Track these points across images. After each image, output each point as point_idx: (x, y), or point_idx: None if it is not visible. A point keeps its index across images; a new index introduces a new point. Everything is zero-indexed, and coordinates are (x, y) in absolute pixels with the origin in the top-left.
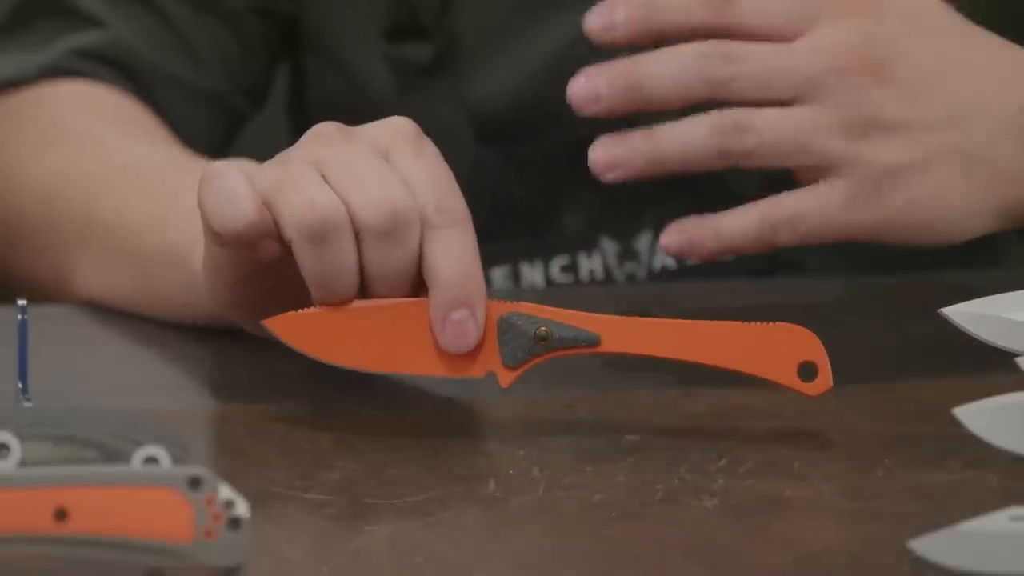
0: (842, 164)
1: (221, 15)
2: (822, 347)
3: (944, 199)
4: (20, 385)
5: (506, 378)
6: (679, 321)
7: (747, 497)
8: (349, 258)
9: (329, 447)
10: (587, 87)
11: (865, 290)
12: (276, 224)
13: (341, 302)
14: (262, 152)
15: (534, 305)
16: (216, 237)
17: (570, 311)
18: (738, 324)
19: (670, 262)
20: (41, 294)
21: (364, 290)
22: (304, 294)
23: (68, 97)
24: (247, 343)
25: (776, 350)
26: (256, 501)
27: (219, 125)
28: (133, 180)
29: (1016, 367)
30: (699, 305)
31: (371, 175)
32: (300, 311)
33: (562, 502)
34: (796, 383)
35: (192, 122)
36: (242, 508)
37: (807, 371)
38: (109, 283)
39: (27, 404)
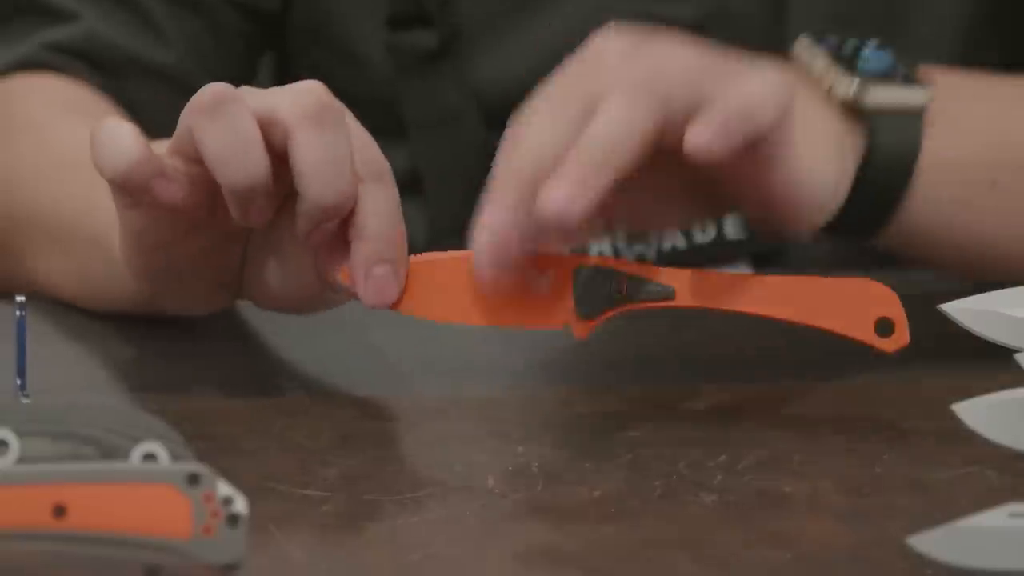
0: None
1: (197, 8)
2: (899, 303)
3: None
4: (18, 381)
5: (581, 330)
6: (755, 276)
7: (746, 493)
8: (247, 122)
9: (328, 444)
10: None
11: None
12: (180, 145)
13: (255, 189)
14: None
15: (609, 258)
16: (118, 196)
17: (645, 264)
18: (814, 279)
19: (679, 242)
20: (7, 287)
21: (303, 199)
22: (225, 263)
23: (33, 91)
24: (246, 339)
25: (853, 305)
26: (255, 497)
27: None
28: (77, 170)
29: (1015, 363)
30: None
31: (288, 89)
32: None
33: (560, 498)
34: (873, 339)
35: (167, 113)
36: (241, 505)
37: (884, 326)
38: (51, 275)
39: (25, 400)
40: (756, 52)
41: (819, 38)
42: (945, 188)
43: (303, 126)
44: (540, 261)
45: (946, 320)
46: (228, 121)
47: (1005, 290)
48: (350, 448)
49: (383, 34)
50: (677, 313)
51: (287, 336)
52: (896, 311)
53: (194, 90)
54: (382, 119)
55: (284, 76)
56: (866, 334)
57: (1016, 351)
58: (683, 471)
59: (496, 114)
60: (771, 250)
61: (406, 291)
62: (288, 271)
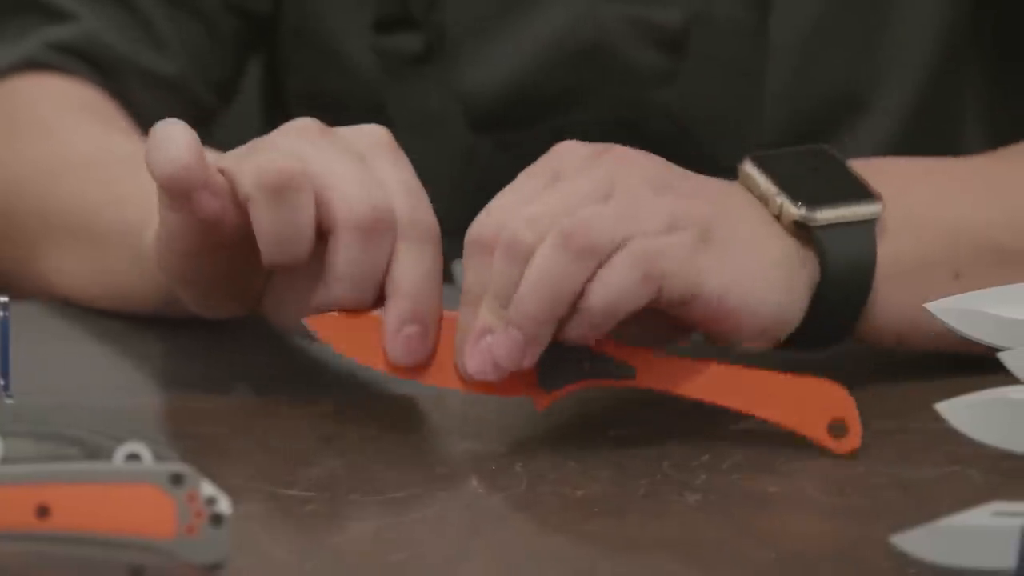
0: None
1: (192, 10)
2: (854, 404)
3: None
4: (2, 382)
5: (541, 402)
6: (716, 364)
7: (730, 493)
8: (304, 217)
9: (311, 444)
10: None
11: None
12: (234, 188)
13: (294, 265)
14: (233, 145)
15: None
16: (162, 196)
17: (610, 342)
18: (774, 374)
19: None
20: (10, 285)
21: (327, 289)
22: (258, 275)
23: (37, 89)
24: (229, 338)
25: (808, 403)
26: (238, 498)
27: (187, 118)
28: (94, 167)
29: (999, 362)
30: None
31: (351, 173)
32: (342, 313)
33: (544, 498)
34: (825, 439)
35: (160, 114)
36: (224, 505)
37: (837, 428)
38: (67, 269)
39: (9, 401)
40: (741, 61)
41: (765, 159)
42: (907, 290)
43: (351, 234)
44: None
45: None
46: (290, 210)
47: (989, 289)
48: (334, 448)
49: (370, 37)
50: None
51: (272, 337)
52: (849, 413)
53: (190, 92)
54: (369, 121)
55: (273, 76)
56: (819, 434)
57: (999, 350)
58: (667, 470)
59: (481, 118)
60: None
61: (370, 346)
62: (308, 300)
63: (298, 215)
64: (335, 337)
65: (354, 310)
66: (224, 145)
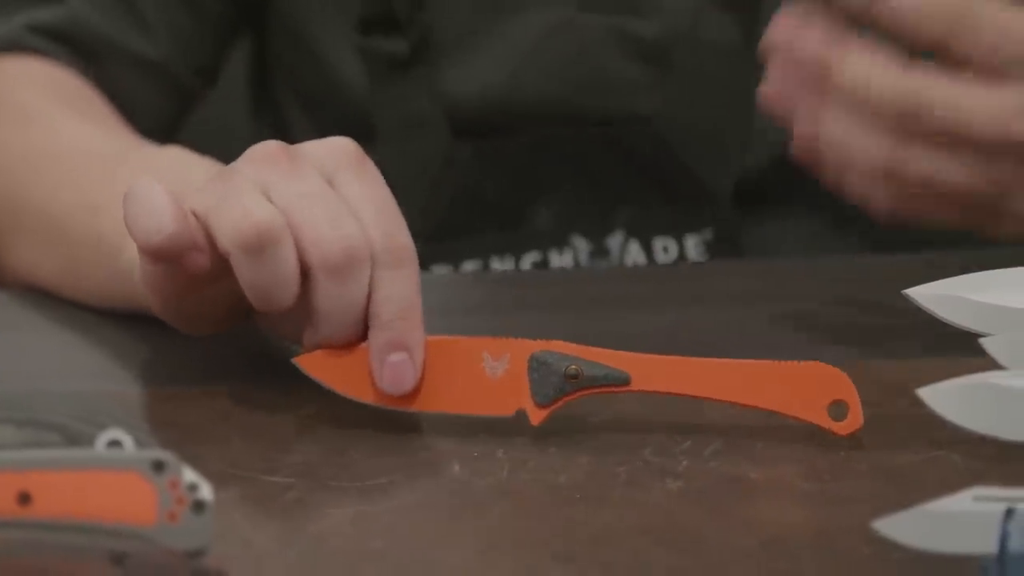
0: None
1: None
2: (852, 386)
3: None
4: None
5: (536, 416)
6: (710, 360)
7: (711, 479)
8: (287, 269)
9: (291, 430)
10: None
11: (829, 270)
12: (211, 237)
13: (283, 309)
14: (220, 132)
15: (565, 343)
16: (143, 253)
17: (601, 349)
18: (768, 363)
19: (641, 261)
20: None
21: (312, 328)
22: (237, 308)
23: (16, 73)
24: None
25: (806, 389)
26: (219, 484)
27: (170, 101)
28: (69, 162)
29: (980, 348)
30: (671, 289)
31: (320, 210)
32: (330, 349)
33: (526, 484)
34: (827, 422)
35: (143, 97)
36: (206, 491)
37: (837, 410)
38: (38, 266)
39: None
40: (727, 78)
41: None
42: None
43: (326, 276)
44: (496, 346)
45: (912, 304)
46: (272, 264)
47: (969, 275)
48: (313, 435)
49: (352, 40)
50: (640, 298)
51: (251, 325)
52: (849, 394)
53: (173, 75)
54: (352, 122)
55: (262, 65)
56: (820, 418)
57: (980, 336)
58: (648, 457)
59: (463, 123)
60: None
61: (361, 379)
62: (296, 316)
63: (281, 267)
64: (326, 375)
65: (343, 345)
66: (207, 127)
